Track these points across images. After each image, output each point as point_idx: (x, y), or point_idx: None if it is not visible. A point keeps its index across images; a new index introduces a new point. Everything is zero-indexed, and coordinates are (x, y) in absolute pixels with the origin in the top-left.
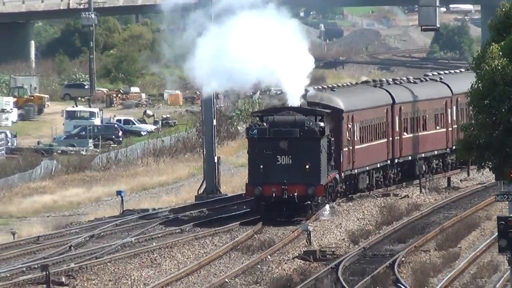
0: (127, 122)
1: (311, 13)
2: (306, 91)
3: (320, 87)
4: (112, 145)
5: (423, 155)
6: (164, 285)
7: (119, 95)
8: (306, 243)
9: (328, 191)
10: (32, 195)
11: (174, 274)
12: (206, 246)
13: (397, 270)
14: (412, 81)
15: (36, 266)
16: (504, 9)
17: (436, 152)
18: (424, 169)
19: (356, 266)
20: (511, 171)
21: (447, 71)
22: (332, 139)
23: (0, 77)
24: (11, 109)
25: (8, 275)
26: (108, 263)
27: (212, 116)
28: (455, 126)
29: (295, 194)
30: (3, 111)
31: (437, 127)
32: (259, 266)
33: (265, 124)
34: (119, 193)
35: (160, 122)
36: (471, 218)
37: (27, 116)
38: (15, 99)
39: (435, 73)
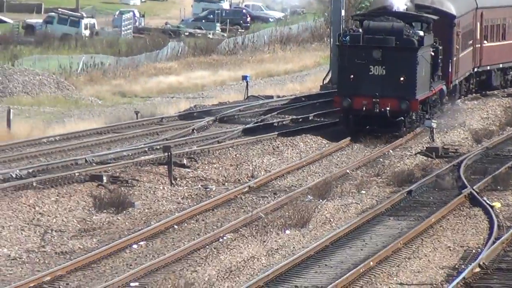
0: (256, 8)
1: None
2: None
3: None
4: (239, 30)
5: (500, 65)
6: (285, 173)
7: None
8: (429, 140)
9: (430, 106)
10: (158, 75)
11: (296, 162)
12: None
13: None
14: None
15: (158, 147)
16: None
17: None
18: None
19: (478, 165)
20: None
21: None
22: (440, 47)
23: None
24: None
25: (130, 153)
26: (230, 148)
27: (341, 6)
28: None
29: (387, 108)
30: None
31: None
32: (381, 159)
33: (360, 30)
34: (244, 78)
35: (288, 9)
36: None
37: None
38: None
39: None
